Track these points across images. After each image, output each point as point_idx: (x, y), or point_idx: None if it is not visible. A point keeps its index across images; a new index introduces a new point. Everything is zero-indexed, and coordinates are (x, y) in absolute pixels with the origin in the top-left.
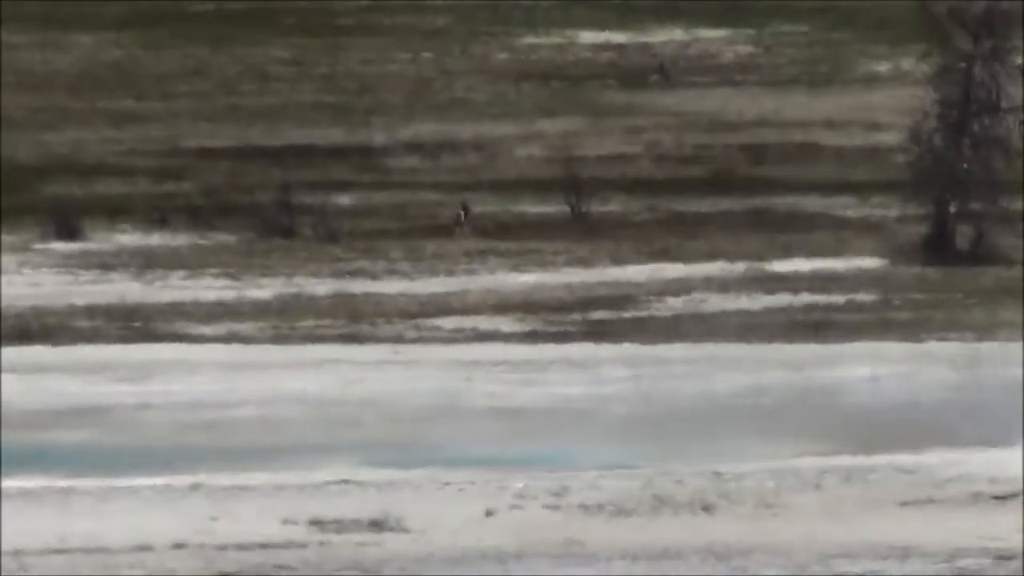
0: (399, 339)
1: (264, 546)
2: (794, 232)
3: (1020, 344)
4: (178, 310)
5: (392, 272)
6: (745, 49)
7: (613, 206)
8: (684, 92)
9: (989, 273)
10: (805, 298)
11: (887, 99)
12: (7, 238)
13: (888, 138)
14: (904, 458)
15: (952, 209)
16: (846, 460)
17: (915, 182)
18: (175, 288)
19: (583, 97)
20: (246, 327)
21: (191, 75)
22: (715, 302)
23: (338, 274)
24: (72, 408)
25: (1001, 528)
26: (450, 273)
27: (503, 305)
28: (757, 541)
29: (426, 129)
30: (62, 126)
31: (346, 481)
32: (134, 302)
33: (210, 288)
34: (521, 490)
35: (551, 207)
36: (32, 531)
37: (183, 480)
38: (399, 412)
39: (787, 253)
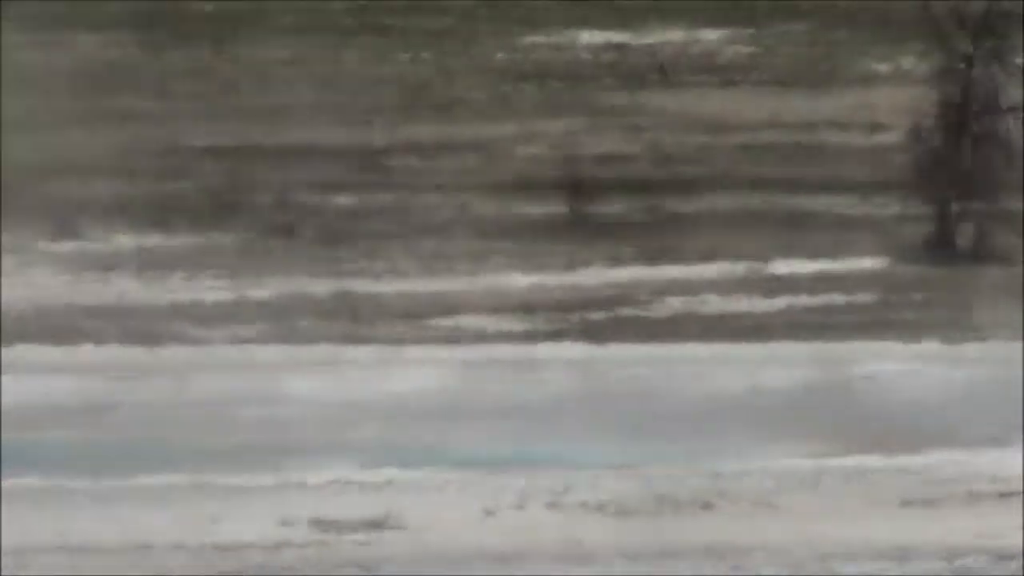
0: (399, 339)
1: (264, 546)
2: (794, 232)
3: (1020, 344)
4: (177, 310)
5: (392, 272)
6: (745, 49)
7: (612, 206)
8: (684, 92)
9: (990, 272)
10: (805, 298)
11: (887, 99)
12: (6, 238)
13: (888, 138)
14: (904, 458)
15: (953, 208)
16: (846, 460)
17: (915, 181)
18: (174, 288)
19: (583, 97)
20: (246, 327)
21: (191, 75)
22: (715, 302)
23: (338, 274)
24: (72, 408)
25: (1001, 527)
26: (450, 273)
27: (503, 305)
28: (757, 540)
29: (425, 129)
30: (62, 126)
31: (346, 481)
32: (133, 302)
33: (210, 288)
34: (521, 490)
35: (551, 207)
36: (32, 530)
37: (183, 480)
38: (399, 412)
39: (787, 253)
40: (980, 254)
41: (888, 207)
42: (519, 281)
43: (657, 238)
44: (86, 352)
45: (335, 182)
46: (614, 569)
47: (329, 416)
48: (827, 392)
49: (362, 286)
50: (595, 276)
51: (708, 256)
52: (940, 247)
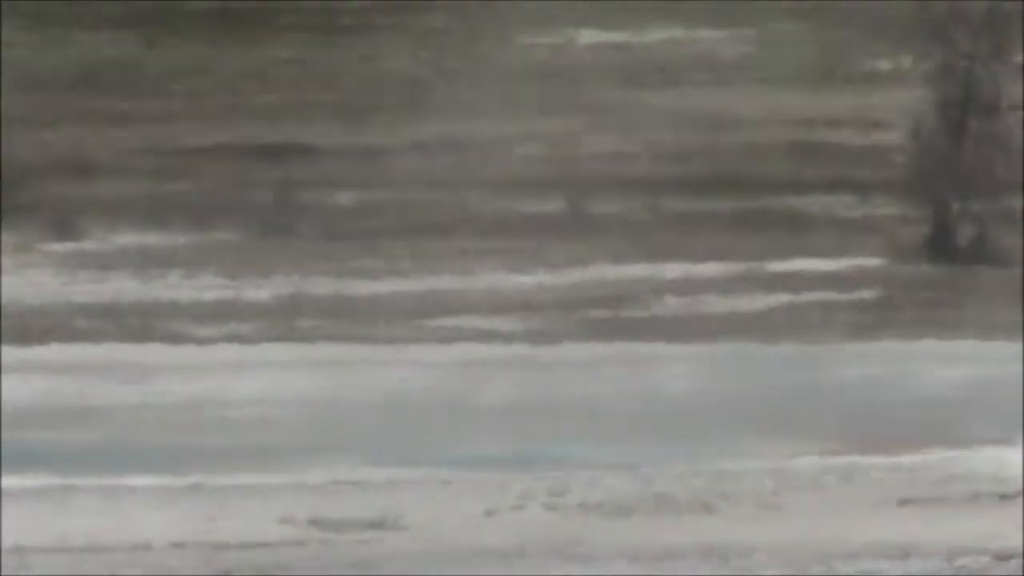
0: (399, 338)
1: (263, 545)
2: (794, 231)
3: (1020, 344)
4: (177, 309)
5: (392, 271)
6: (745, 48)
7: (612, 205)
8: (683, 91)
9: (990, 272)
10: (805, 297)
11: (887, 98)
12: (6, 238)
13: (888, 137)
14: (904, 457)
15: (953, 208)
16: (846, 459)
17: (915, 181)
18: (174, 287)
19: (582, 96)
20: (245, 326)
21: (191, 74)
22: (715, 301)
23: (338, 273)
24: (71, 408)
25: (1002, 527)
26: (450, 272)
27: (503, 305)
28: (757, 540)
29: (425, 128)
30: (61, 125)
31: (346, 481)
32: (133, 301)
33: (209, 287)
34: (521, 490)
35: (550, 206)
36: (32, 530)
37: (182, 479)
38: (399, 412)
39: (787, 252)
40: (980, 254)
41: (888, 206)
42: (519, 280)
43: (657, 237)
44: (85, 352)
45: (335, 181)
46: (614, 569)
47: (329, 415)
48: (828, 392)
49: (362, 285)
50: (595, 275)
51: (708, 255)
52: (940, 247)
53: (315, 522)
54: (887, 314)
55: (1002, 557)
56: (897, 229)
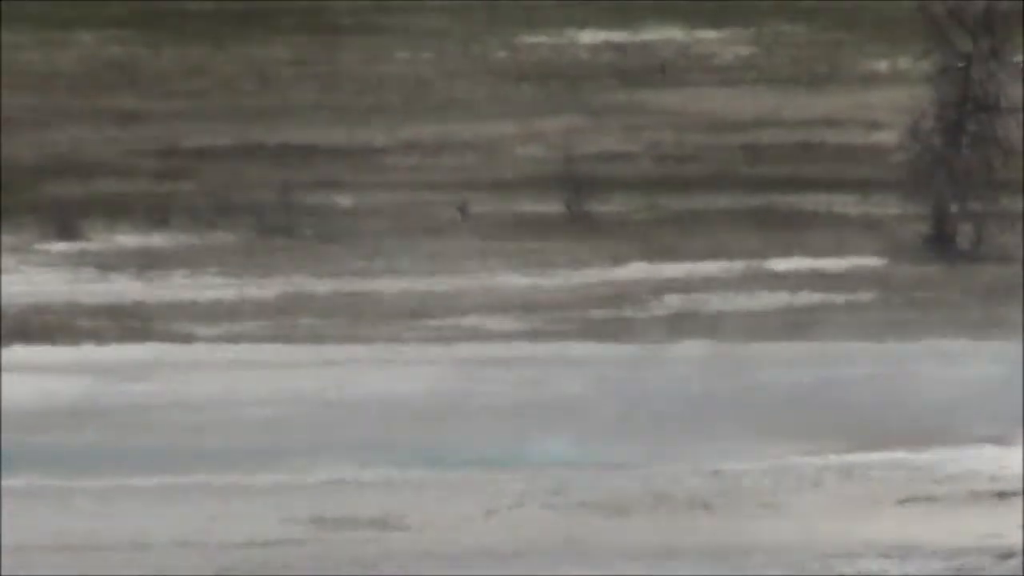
0: (399, 338)
1: (264, 545)
2: (794, 231)
3: (1020, 343)
4: (178, 310)
5: (392, 271)
6: (745, 49)
7: (612, 205)
8: (684, 91)
9: (989, 272)
10: (805, 297)
11: (886, 98)
12: (7, 238)
13: (887, 137)
14: (904, 456)
15: (952, 208)
16: (845, 458)
17: (914, 181)
18: (175, 287)
19: (582, 96)
20: (246, 326)
21: (191, 74)
22: (715, 301)
23: (338, 273)
24: (72, 408)
25: (1001, 526)
26: (450, 272)
27: (502, 304)
28: (756, 540)
29: (425, 129)
30: (62, 125)
31: (346, 480)
32: (134, 301)
33: (210, 288)
34: (521, 489)
35: (550, 206)
36: (33, 530)
37: (183, 479)
38: (399, 411)
39: (787, 252)
40: (979, 253)
41: (887, 206)
42: (519, 280)
43: (657, 237)
44: (86, 352)
45: (335, 181)
46: (613, 568)
47: (329, 415)
48: (827, 391)
49: (362, 285)
50: (595, 275)
51: (707, 255)
52: (939, 246)
53: (316, 521)
54: (887, 313)
55: (1001, 556)
56: (896, 228)
